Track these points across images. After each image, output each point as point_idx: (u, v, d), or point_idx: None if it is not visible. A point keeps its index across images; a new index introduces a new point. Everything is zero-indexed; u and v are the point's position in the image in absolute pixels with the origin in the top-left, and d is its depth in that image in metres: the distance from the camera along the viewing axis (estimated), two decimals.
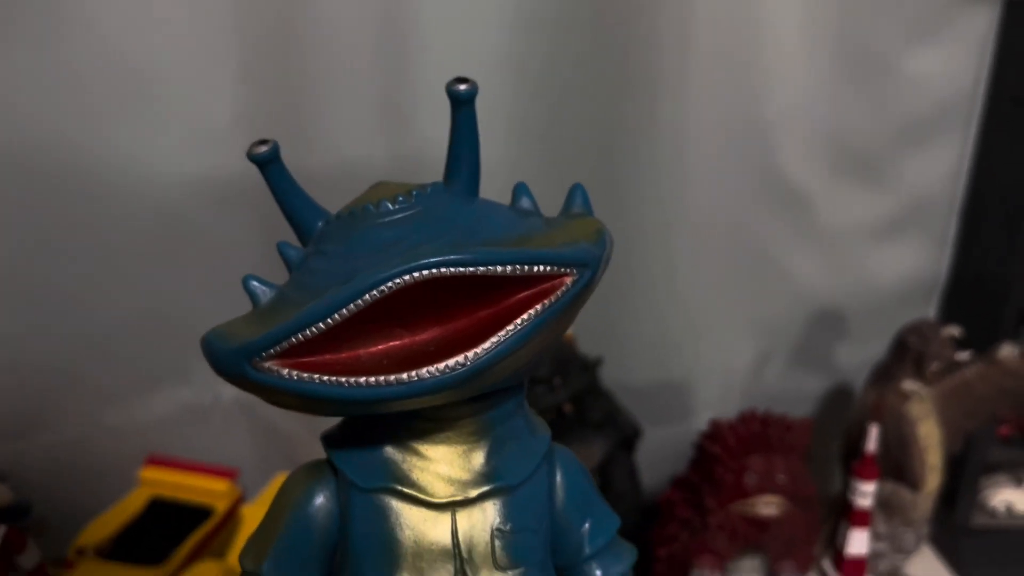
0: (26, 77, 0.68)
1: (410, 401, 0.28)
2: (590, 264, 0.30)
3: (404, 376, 0.28)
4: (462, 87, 0.30)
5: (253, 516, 0.75)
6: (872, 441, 0.62)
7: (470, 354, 0.28)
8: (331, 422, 0.34)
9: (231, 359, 0.29)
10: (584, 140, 0.76)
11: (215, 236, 0.77)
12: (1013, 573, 0.85)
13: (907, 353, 0.71)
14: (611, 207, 0.78)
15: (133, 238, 0.76)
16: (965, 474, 0.85)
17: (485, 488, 0.31)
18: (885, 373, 0.73)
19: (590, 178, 0.77)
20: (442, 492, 0.31)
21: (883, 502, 0.74)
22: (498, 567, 0.31)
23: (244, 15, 0.70)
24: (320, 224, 0.32)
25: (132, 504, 0.75)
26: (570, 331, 0.68)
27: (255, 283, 0.31)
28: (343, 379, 0.28)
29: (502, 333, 0.28)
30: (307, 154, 0.73)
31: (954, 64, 0.79)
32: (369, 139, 0.73)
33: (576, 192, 0.34)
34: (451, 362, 0.28)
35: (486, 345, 0.28)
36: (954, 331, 0.71)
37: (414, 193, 0.31)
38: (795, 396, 0.86)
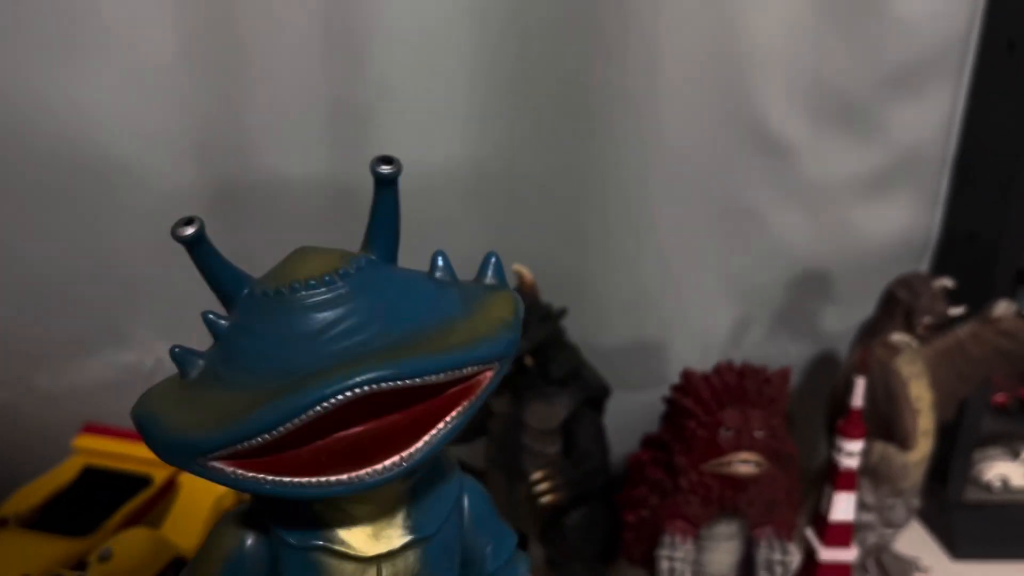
0: None
1: (349, 495, 0.31)
2: (509, 354, 0.32)
3: (344, 477, 0.30)
4: (385, 169, 0.31)
5: (191, 484, 0.69)
6: (858, 396, 0.57)
7: (405, 454, 0.30)
8: None
9: (175, 453, 0.30)
10: (552, 81, 0.71)
11: (156, 185, 0.72)
12: (1009, 551, 0.80)
13: (896, 307, 0.66)
14: (581, 148, 0.73)
15: (67, 185, 0.71)
16: (957, 445, 0.81)
17: (407, 540, 0.34)
18: (872, 330, 0.68)
19: (558, 115, 0.73)
20: (370, 549, 0.33)
21: (871, 469, 0.69)
22: None
23: None
24: (245, 292, 0.32)
25: (63, 473, 0.70)
26: (530, 276, 0.63)
27: (181, 353, 0.32)
28: (286, 479, 0.30)
29: (433, 432, 0.31)
30: (248, 93, 0.69)
31: (946, 5, 0.74)
32: (313, 73, 0.68)
33: (489, 261, 0.35)
34: (387, 463, 0.30)
35: (419, 445, 0.30)
36: (947, 282, 0.66)
37: (340, 272, 0.31)
38: (777, 362, 0.79)
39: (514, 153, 0.72)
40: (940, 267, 0.82)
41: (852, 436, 0.58)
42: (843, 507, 0.59)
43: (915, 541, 0.82)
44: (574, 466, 0.61)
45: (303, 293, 0.30)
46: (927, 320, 0.65)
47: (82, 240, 0.73)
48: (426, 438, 0.30)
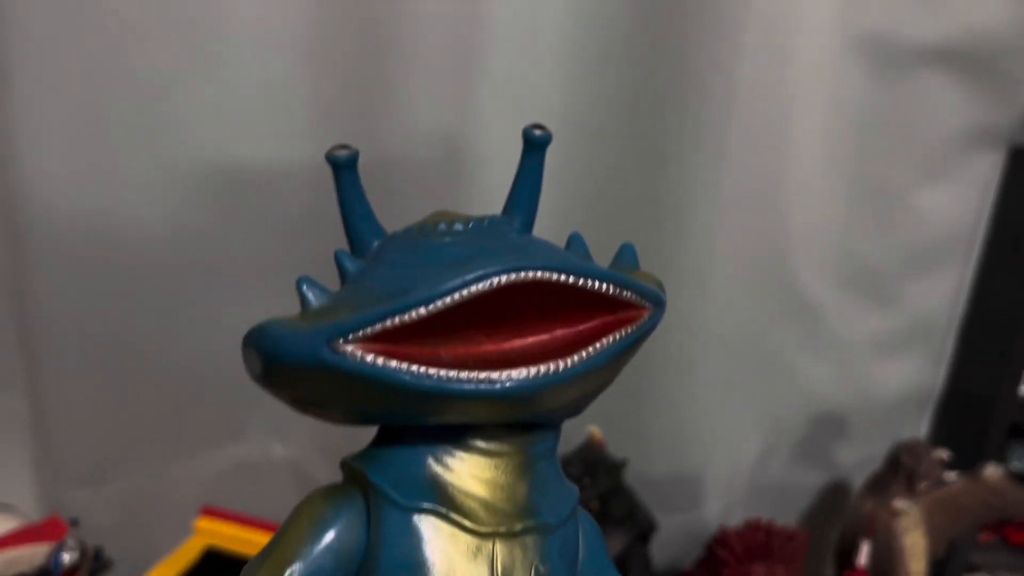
0: None
1: (481, 405, 0.28)
2: (663, 305, 0.31)
3: (483, 375, 0.27)
4: (538, 132, 0.31)
5: None
6: (864, 557, 0.70)
7: (554, 364, 0.27)
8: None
9: (307, 340, 0.27)
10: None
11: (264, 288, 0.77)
12: None
13: (900, 469, 0.79)
14: None
15: (208, 285, 0.80)
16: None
17: (528, 523, 0.30)
18: (878, 484, 0.81)
19: None
20: (487, 521, 0.29)
21: None
22: None
23: None
24: (377, 243, 0.31)
25: (187, 553, 0.80)
26: (599, 434, 0.76)
27: (307, 286, 0.29)
28: (425, 368, 0.27)
29: (585, 352, 0.28)
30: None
31: (959, 202, 0.87)
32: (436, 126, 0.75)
33: (626, 250, 0.34)
34: (533, 371, 0.27)
35: (568, 362, 0.28)
36: (943, 454, 0.79)
37: (484, 220, 0.31)
38: (796, 488, 0.93)
39: None
40: (940, 419, 0.95)
41: None
42: None
43: None
44: None
45: (443, 228, 0.30)
46: (925, 485, 0.77)
47: (205, 342, 0.82)
48: (576, 356, 0.28)
